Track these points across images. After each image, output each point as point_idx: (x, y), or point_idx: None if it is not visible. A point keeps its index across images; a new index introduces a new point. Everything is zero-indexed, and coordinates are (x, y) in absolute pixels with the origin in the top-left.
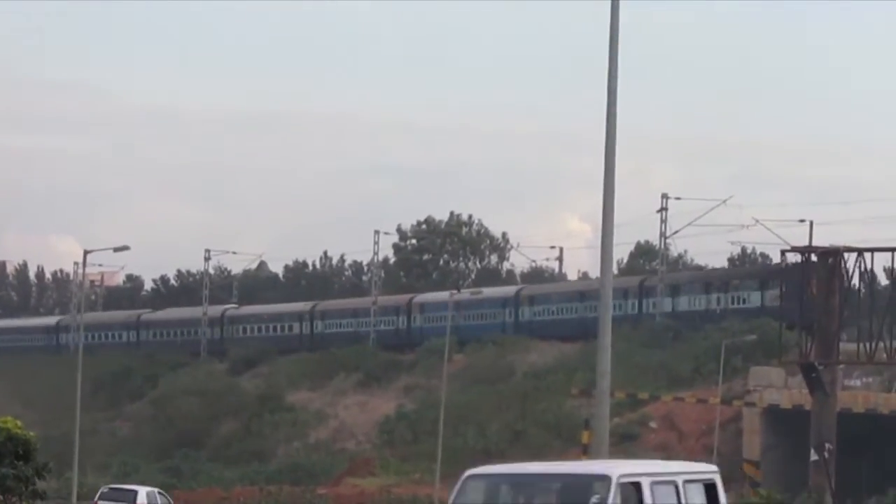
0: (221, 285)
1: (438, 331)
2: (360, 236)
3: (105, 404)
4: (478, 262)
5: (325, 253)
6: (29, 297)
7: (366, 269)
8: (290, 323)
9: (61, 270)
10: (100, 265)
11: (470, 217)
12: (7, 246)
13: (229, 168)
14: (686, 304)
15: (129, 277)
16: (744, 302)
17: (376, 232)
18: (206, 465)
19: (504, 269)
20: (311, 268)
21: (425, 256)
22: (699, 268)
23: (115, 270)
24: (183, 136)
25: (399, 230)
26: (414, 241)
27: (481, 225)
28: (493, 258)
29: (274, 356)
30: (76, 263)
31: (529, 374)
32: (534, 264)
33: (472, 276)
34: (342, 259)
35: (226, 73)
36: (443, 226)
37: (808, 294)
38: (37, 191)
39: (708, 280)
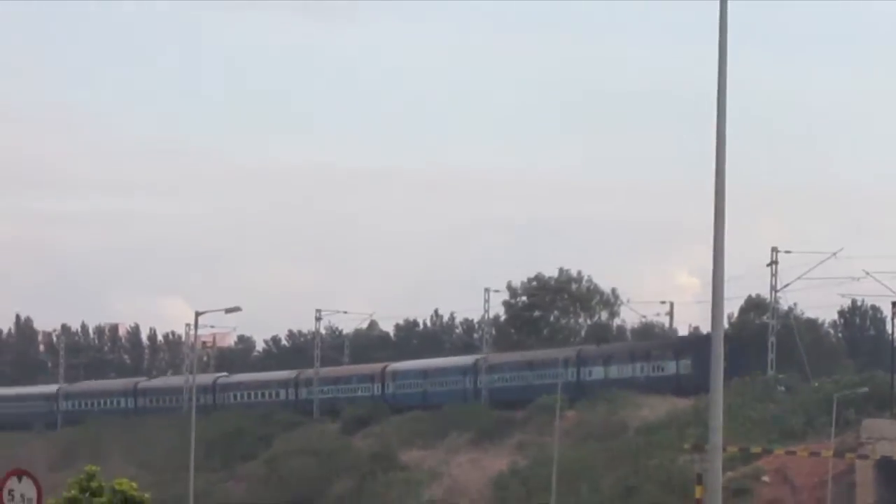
0: (333, 345)
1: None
2: (470, 294)
3: (219, 465)
4: (588, 319)
5: (436, 311)
6: (142, 360)
7: (477, 326)
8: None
9: (173, 332)
10: (211, 326)
11: (579, 273)
12: (118, 308)
13: (339, 226)
14: (616, 373)
15: (241, 339)
16: (662, 370)
17: (486, 289)
18: None
19: (615, 324)
20: (421, 326)
21: (536, 313)
22: (810, 321)
23: (226, 331)
24: (291, 194)
25: (509, 287)
26: (524, 297)
27: (591, 280)
28: (604, 314)
29: (386, 415)
30: (188, 325)
31: (642, 430)
32: (644, 319)
33: (583, 332)
34: (452, 317)
35: (333, 132)
36: (552, 282)
37: None
38: (146, 252)
39: (633, 351)
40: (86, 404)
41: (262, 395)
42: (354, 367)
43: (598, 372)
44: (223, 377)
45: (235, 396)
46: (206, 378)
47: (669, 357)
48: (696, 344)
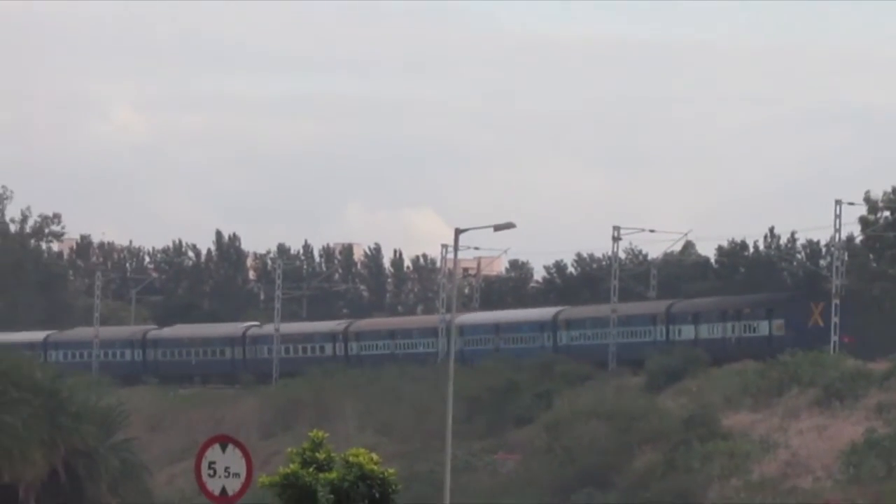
0: (635, 274)
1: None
2: (817, 208)
3: (484, 430)
4: None
5: (771, 230)
6: (383, 292)
7: (824, 251)
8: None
9: (424, 256)
10: (475, 248)
11: None
12: (352, 224)
13: (644, 119)
14: (706, 332)
15: (514, 265)
16: (754, 331)
17: (837, 202)
18: None
19: None
20: (752, 250)
21: None
22: None
23: (495, 255)
24: (581, 75)
25: (868, 199)
26: (888, 213)
27: None
28: None
29: (703, 366)
30: (444, 246)
31: None
32: None
33: None
34: (793, 238)
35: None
36: None
37: None
38: (389, 151)
39: (723, 308)
40: None
41: (304, 349)
42: (414, 318)
43: (687, 331)
44: (254, 326)
45: (264, 351)
46: (232, 329)
47: (761, 316)
48: (790, 302)
